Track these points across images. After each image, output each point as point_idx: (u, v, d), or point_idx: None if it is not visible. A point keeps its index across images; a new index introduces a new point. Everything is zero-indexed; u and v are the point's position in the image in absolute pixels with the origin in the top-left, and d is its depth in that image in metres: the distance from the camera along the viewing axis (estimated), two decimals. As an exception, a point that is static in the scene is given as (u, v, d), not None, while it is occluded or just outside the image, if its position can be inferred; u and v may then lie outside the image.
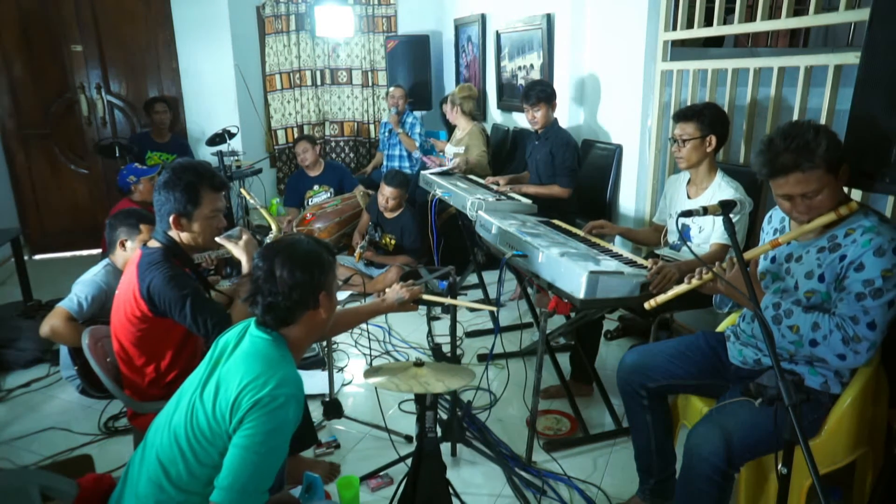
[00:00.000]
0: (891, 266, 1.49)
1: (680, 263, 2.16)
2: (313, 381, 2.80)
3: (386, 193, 3.96)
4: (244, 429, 1.31)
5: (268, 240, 2.46)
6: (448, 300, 2.16)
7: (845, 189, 1.75)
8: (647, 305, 1.75)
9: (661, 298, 1.74)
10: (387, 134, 5.25)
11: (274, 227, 2.58)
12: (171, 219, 1.82)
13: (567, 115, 3.96)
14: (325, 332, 1.78)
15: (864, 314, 1.51)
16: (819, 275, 1.60)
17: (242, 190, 3.76)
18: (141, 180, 3.48)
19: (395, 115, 4.95)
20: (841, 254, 1.56)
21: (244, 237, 1.96)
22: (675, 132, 2.45)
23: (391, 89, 5.04)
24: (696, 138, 2.38)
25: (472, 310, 2.35)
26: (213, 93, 5.33)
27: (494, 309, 2.18)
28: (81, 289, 2.51)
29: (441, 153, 4.86)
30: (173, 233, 1.86)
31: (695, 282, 1.69)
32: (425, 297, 2.15)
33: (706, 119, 2.38)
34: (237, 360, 1.41)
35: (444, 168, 4.04)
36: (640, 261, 2.15)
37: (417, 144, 4.96)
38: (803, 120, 1.56)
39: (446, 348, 2.42)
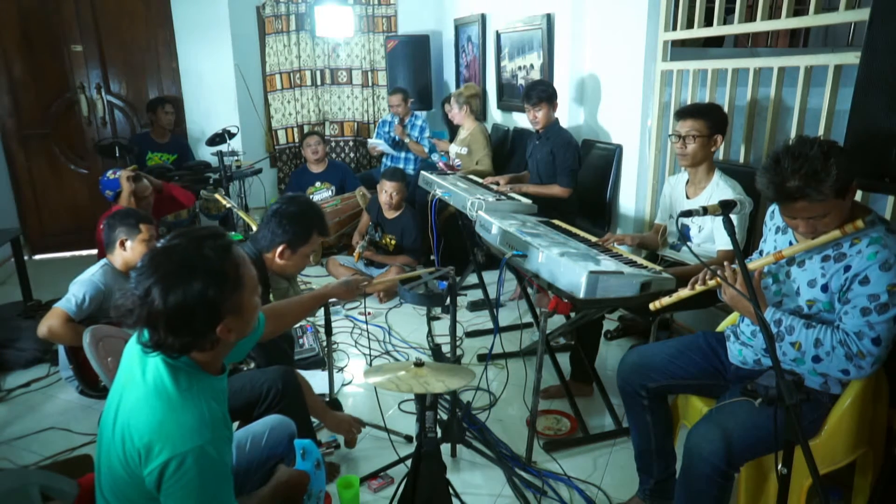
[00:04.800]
0: None
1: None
2: (313, 382, 2.77)
3: (388, 189, 3.96)
4: (167, 497, 1.13)
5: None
6: (406, 274, 2.18)
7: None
8: (652, 306, 1.76)
9: (666, 301, 1.75)
10: (391, 142, 5.14)
11: (255, 228, 2.58)
12: (280, 247, 2.04)
13: (567, 115, 3.96)
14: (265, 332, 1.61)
15: (869, 329, 1.50)
16: (822, 284, 1.59)
17: (217, 195, 3.76)
18: (118, 193, 3.24)
19: (399, 125, 4.86)
20: (846, 264, 1.54)
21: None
22: (681, 129, 2.41)
23: (389, 96, 4.88)
24: (705, 136, 2.38)
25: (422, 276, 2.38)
26: (213, 93, 5.33)
27: (446, 273, 2.21)
28: (79, 288, 2.50)
29: (443, 154, 4.85)
30: (270, 256, 2.07)
31: (699, 287, 1.70)
32: (375, 282, 2.24)
33: (714, 118, 2.39)
34: (138, 400, 1.17)
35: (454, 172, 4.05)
36: (640, 261, 2.15)
37: (426, 149, 4.92)
38: (812, 138, 1.49)
39: (446, 348, 2.43)
